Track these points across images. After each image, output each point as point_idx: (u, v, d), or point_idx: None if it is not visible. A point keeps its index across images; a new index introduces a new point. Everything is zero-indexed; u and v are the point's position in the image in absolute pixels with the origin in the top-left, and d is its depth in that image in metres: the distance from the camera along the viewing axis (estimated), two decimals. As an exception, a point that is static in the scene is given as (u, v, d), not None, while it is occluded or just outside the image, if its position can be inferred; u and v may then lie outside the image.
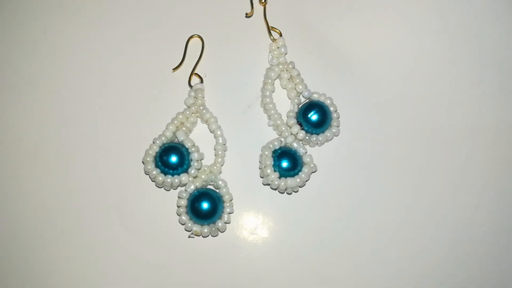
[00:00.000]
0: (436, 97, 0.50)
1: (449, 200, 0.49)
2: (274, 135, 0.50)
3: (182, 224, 0.47)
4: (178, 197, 0.47)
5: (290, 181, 0.47)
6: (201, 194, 0.47)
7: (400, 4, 0.52)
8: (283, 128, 0.49)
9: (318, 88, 0.50)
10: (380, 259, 0.48)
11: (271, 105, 0.49)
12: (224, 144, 0.49)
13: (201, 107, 0.49)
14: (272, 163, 0.47)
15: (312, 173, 0.48)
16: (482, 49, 0.51)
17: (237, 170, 0.49)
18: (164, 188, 0.48)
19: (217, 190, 0.48)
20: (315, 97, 0.49)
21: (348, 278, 0.48)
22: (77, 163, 0.49)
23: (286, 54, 0.50)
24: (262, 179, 0.48)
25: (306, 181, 0.48)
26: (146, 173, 0.48)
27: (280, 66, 0.50)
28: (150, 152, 0.47)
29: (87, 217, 0.49)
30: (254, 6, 0.51)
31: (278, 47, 0.50)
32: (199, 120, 0.50)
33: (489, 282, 0.48)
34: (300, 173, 0.47)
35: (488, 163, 0.49)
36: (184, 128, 0.49)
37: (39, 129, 0.50)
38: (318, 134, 0.49)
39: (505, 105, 0.50)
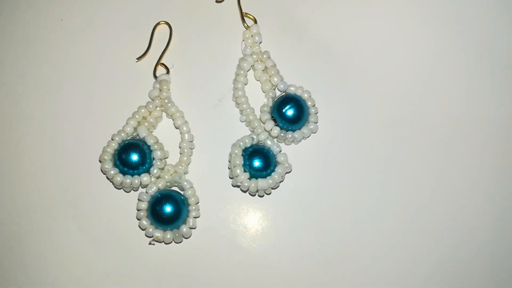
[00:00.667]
0: (421, 91, 0.47)
1: (434, 199, 0.45)
2: (246, 131, 0.46)
3: (143, 229, 0.43)
4: (139, 199, 0.43)
5: (261, 183, 0.43)
6: (163, 196, 0.43)
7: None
8: (256, 124, 0.45)
9: (295, 80, 0.46)
10: (362, 261, 0.45)
11: (243, 99, 0.45)
12: (191, 141, 0.45)
13: (166, 100, 0.45)
14: (242, 162, 0.43)
15: (287, 174, 0.44)
16: (470, 39, 0.47)
17: (204, 170, 0.45)
18: (124, 189, 0.44)
19: (182, 192, 0.44)
20: (292, 90, 0.45)
21: (324, 281, 0.44)
22: (29, 159, 0.46)
23: (260, 43, 0.47)
24: (231, 180, 0.44)
25: (280, 182, 0.44)
26: (104, 172, 0.44)
27: (254, 56, 0.46)
28: (108, 149, 0.43)
29: (40, 219, 0.45)
30: (226, -11, 0.47)
31: (252, 35, 0.46)
32: (164, 114, 0.46)
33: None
34: (273, 174, 0.43)
35: (477, 163, 0.46)
36: (146, 124, 0.45)
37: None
38: (294, 130, 0.45)
39: (496, 101, 0.47)
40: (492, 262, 0.45)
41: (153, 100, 0.45)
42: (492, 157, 0.46)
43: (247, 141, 0.44)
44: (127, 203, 0.44)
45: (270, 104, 0.45)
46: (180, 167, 0.44)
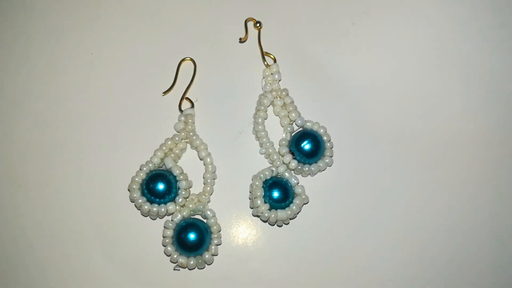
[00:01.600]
0: (432, 128, 0.49)
1: (447, 230, 0.48)
2: (265, 163, 0.48)
3: (168, 256, 0.45)
4: (164, 227, 0.45)
5: (281, 213, 0.45)
6: (188, 225, 0.45)
7: (396, 33, 0.51)
8: (275, 157, 0.47)
9: (312, 116, 0.49)
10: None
11: (263, 133, 0.48)
12: (214, 172, 0.47)
13: (191, 133, 0.48)
14: (263, 193, 0.46)
15: (304, 205, 0.47)
16: (477, 80, 0.50)
17: (226, 200, 0.48)
18: (150, 217, 0.47)
19: (205, 221, 0.46)
20: (308, 125, 0.48)
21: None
22: (60, 188, 0.48)
23: (280, 80, 0.49)
24: (252, 209, 0.47)
25: (298, 213, 0.46)
26: (132, 201, 0.46)
27: (274, 93, 0.49)
28: (137, 179, 0.46)
29: (69, 246, 0.47)
30: (248, 30, 0.50)
31: (272, 73, 0.49)
32: (188, 146, 0.49)
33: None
34: (291, 205, 0.46)
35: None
36: (172, 155, 0.47)
37: (21, 152, 0.48)
38: (310, 164, 0.47)
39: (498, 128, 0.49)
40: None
41: (178, 132, 0.48)
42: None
43: (267, 173, 0.47)
44: (152, 231, 0.46)
45: (288, 138, 0.48)
46: (203, 196, 0.47)
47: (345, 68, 0.50)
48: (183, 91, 0.49)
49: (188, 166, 0.47)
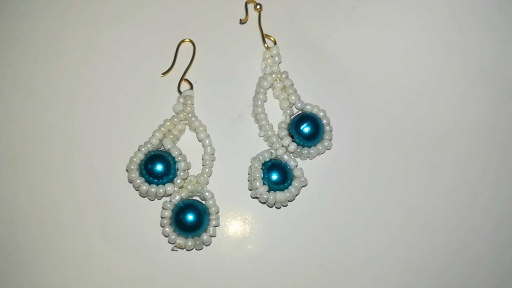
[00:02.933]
0: (431, 111, 0.49)
1: (443, 213, 0.48)
2: (264, 146, 0.48)
3: (166, 236, 0.45)
4: (163, 207, 0.45)
5: (279, 195, 0.45)
6: (186, 206, 0.45)
7: (397, 17, 0.51)
8: (274, 140, 0.47)
9: (312, 99, 0.48)
10: (370, 275, 0.47)
11: (262, 115, 0.48)
12: (213, 154, 0.47)
13: (190, 115, 0.47)
14: (262, 175, 0.45)
15: (303, 187, 0.47)
16: (477, 63, 0.50)
17: (225, 181, 0.48)
18: (148, 198, 0.47)
19: (203, 202, 0.46)
20: (308, 108, 0.48)
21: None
22: (58, 168, 0.47)
23: (280, 63, 0.49)
24: (250, 191, 0.47)
25: (296, 195, 0.46)
26: (130, 181, 0.46)
27: (273, 76, 0.49)
28: (135, 159, 0.46)
29: (67, 225, 0.47)
30: (249, 12, 0.50)
31: (272, 56, 0.49)
32: (187, 128, 0.48)
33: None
34: (290, 187, 0.46)
35: (478, 178, 0.49)
36: (171, 136, 0.47)
37: (19, 132, 0.48)
38: (309, 147, 0.47)
39: (498, 117, 0.50)
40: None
41: (177, 114, 0.48)
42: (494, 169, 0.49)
43: (266, 155, 0.46)
44: (150, 211, 0.46)
45: (288, 121, 0.48)
46: (202, 178, 0.47)
47: (345, 52, 0.50)
48: (182, 73, 0.49)
49: (187, 147, 0.47)
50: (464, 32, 0.51)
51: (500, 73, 0.50)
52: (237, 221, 0.47)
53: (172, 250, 0.46)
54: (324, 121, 0.48)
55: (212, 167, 0.47)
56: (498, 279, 0.48)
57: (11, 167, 0.47)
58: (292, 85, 0.48)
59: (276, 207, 0.47)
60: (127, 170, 0.46)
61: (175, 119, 0.47)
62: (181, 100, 0.48)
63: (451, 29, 0.51)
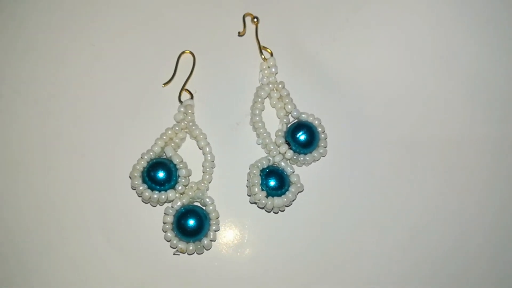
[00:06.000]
0: (425, 118, 0.51)
1: (438, 217, 0.50)
2: (262, 153, 0.50)
3: (168, 241, 0.47)
4: (165, 213, 0.47)
5: (277, 201, 0.47)
6: (187, 211, 0.47)
7: (391, 26, 0.53)
8: (272, 147, 0.49)
9: (307, 108, 0.50)
10: (367, 279, 0.49)
11: (260, 124, 0.50)
12: (213, 161, 0.49)
13: (191, 123, 0.49)
14: (260, 181, 0.47)
15: (299, 193, 0.49)
16: (470, 72, 0.52)
17: (224, 188, 0.49)
18: (151, 204, 0.48)
19: (204, 207, 0.48)
20: (304, 117, 0.50)
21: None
22: (62, 176, 0.49)
23: (276, 73, 0.51)
24: (249, 197, 0.48)
25: (293, 200, 0.48)
26: (133, 188, 0.47)
27: (270, 86, 0.51)
28: (138, 167, 0.47)
29: (71, 231, 0.48)
30: (246, 25, 0.52)
31: (269, 67, 0.51)
32: (188, 136, 0.50)
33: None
34: (287, 193, 0.48)
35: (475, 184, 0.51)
36: (172, 144, 0.49)
37: (23, 140, 0.49)
38: (305, 154, 0.49)
39: (493, 124, 0.51)
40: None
41: (178, 122, 0.49)
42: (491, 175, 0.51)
43: (264, 162, 0.48)
44: (153, 217, 0.48)
45: (284, 129, 0.50)
46: (202, 184, 0.48)
47: (339, 62, 0.52)
48: (183, 83, 0.51)
49: (187, 155, 0.49)
50: (453, 42, 0.53)
51: (489, 78, 0.52)
52: (236, 226, 0.49)
53: (174, 254, 0.47)
54: (319, 129, 0.50)
55: (212, 173, 0.49)
56: (493, 278, 0.49)
57: (14, 175, 0.49)
58: (288, 94, 0.50)
59: (274, 212, 0.49)
60: (130, 177, 0.47)
61: (176, 128, 0.49)
62: (182, 109, 0.50)
63: (442, 38, 0.53)
